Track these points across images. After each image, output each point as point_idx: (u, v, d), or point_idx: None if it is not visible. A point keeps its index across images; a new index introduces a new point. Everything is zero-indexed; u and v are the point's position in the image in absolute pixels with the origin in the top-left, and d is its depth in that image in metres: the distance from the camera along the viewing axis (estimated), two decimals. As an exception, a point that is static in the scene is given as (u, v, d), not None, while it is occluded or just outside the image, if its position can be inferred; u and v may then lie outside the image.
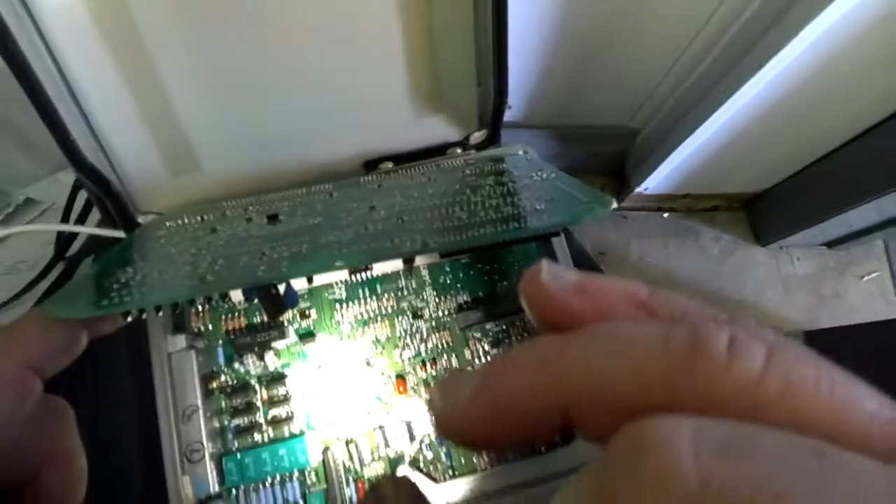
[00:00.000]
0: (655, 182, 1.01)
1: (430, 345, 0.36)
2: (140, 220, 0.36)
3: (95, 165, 0.33)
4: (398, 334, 0.36)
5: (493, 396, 0.13)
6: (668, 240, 1.12)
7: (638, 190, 1.04)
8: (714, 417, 0.10)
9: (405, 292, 0.37)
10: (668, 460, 0.10)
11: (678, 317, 0.13)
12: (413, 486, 0.16)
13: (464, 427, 0.13)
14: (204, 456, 0.31)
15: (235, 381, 0.34)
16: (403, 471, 0.32)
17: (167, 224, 0.34)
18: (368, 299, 0.37)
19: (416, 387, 0.35)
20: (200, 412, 0.31)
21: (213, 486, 0.31)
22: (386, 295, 0.37)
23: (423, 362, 0.35)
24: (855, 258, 1.15)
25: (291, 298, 0.37)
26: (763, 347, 0.11)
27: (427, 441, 0.34)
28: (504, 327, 0.37)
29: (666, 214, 1.14)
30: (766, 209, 1.11)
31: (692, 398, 0.11)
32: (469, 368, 0.35)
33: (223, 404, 0.33)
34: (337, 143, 0.38)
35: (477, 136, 0.40)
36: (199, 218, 0.34)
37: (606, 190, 1.13)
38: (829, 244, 1.14)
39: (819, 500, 0.09)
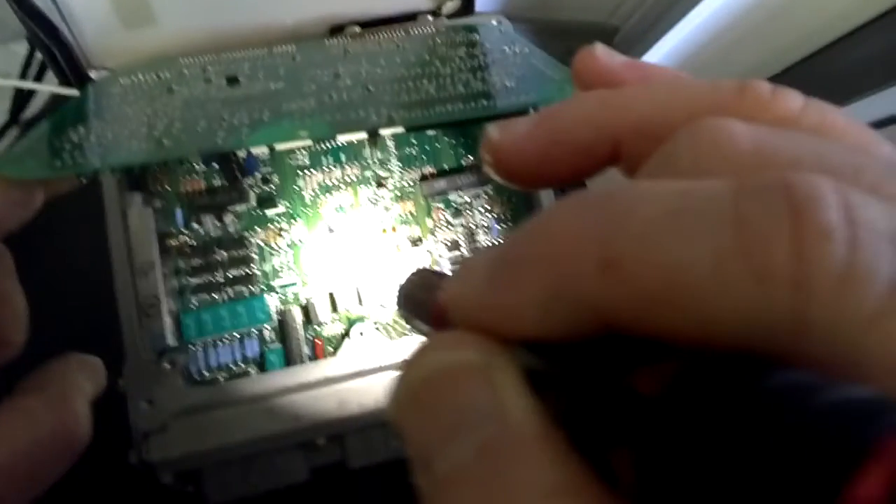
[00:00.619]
0: (631, 83, 1.00)
1: (392, 213, 0.36)
2: (93, 75, 0.35)
3: (42, 10, 0.31)
4: (361, 202, 0.36)
5: (552, 126, 0.14)
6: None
7: (613, 92, 1.04)
8: None
9: (369, 162, 0.36)
10: (725, 131, 0.11)
11: None
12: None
13: (518, 160, 0.14)
14: (161, 310, 0.31)
15: (194, 242, 0.34)
16: (359, 329, 0.33)
17: (121, 81, 0.33)
18: (332, 167, 0.36)
19: (376, 253, 0.35)
20: (157, 268, 0.31)
21: (171, 341, 0.31)
22: (350, 164, 0.36)
23: (385, 230, 0.35)
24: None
25: (251, 165, 0.36)
26: (801, 95, 0.12)
27: (383, 305, 0.34)
28: (468, 199, 0.37)
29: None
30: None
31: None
32: (431, 237, 0.36)
33: (181, 264, 0.33)
34: (301, 1, 0.36)
35: (450, 6, 0.38)
36: (154, 76, 0.33)
37: (582, 92, 1.12)
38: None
39: (853, 173, 0.10)
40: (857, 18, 0.82)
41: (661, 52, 0.88)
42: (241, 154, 0.36)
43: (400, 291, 0.15)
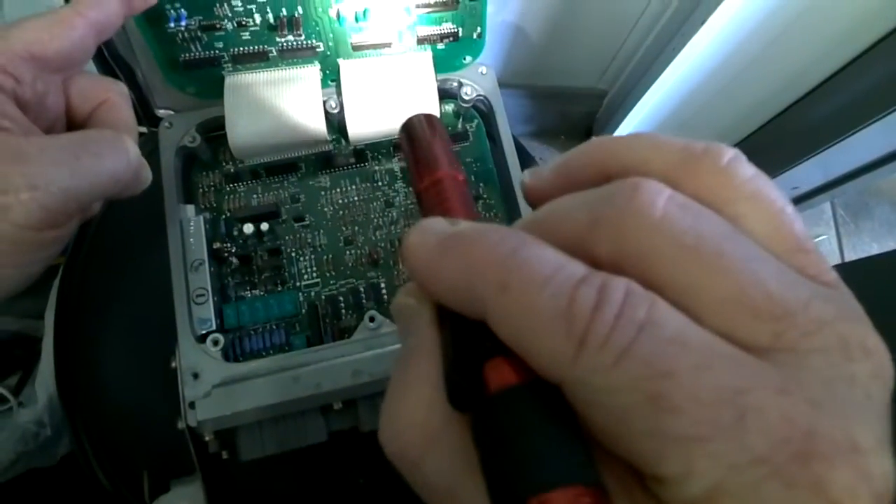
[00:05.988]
0: (619, 142, 1.07)
1: (397, 228, 0.43)
2: (160, 114, 0.43)
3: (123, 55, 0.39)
4: (372, 218, 0.43)
5: (565, 172, 0.18)
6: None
7: (604, 150, 1.11)
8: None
9: (380, 184, 0.44)
10: (648, 197, 0.14)
11: None
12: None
13: (541, 195, 0.18)
14: (208, 299, 0.37)
15: (235, 248, 0.41)
16: (370, 315, 0.39)
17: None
18: (349, 188, 0.43)
19: (384, 259, 0.42)
20: (206, 265, 0.38)
21: (214, 325, 0.37)
22: (364, 185, 0.44)
23: (391, 242, 0.42)
24: (804, 222, 1.23)
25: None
26: (751, 167, 0.15)
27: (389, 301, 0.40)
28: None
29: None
30: (720, 171, 1.17)
31: (686, 176, 0.15)
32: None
33: (224, 265, 0.40)
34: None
35: None
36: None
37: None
38: (781, 208, 1.22)
39: (731, 249, 0.13)
40: (820, 75, 0.90)
41: (639, 115, 0.97)
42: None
43: (405, 124, 0.22)
